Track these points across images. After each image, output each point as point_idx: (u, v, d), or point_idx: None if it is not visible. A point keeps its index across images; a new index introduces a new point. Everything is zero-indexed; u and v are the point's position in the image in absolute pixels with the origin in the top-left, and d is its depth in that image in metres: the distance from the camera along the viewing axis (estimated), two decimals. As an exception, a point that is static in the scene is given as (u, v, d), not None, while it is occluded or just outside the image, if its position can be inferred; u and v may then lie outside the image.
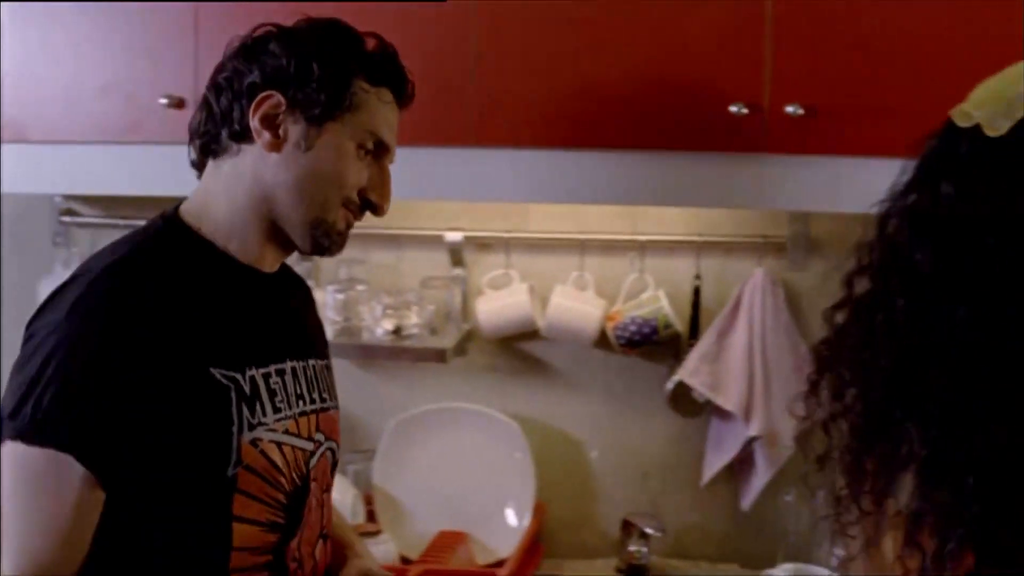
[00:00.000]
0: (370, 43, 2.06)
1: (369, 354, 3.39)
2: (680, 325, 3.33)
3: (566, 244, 3.39)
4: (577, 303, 3.33)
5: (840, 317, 1.65)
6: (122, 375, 1.80)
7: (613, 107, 2.81)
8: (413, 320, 3.31)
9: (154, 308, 1.87)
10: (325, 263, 3.44)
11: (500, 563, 3.17)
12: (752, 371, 3.27)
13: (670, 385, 3.32)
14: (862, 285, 1.66)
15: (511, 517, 3.32)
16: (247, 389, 1.94)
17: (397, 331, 3.29)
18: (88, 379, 1.80)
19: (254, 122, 1.97)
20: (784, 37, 2.77)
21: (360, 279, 3.38)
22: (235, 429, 1.91)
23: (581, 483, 3.49)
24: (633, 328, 3.27)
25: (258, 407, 1.95)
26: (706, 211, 3.33)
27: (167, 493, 1.87)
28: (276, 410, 1.98)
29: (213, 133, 2.02)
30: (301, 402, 2.05)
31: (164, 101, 2.94)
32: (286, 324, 2.11)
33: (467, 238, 3.38)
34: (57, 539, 1.79)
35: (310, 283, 3.27)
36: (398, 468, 3.33)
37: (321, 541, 2.10)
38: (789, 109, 2.74)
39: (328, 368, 2.22)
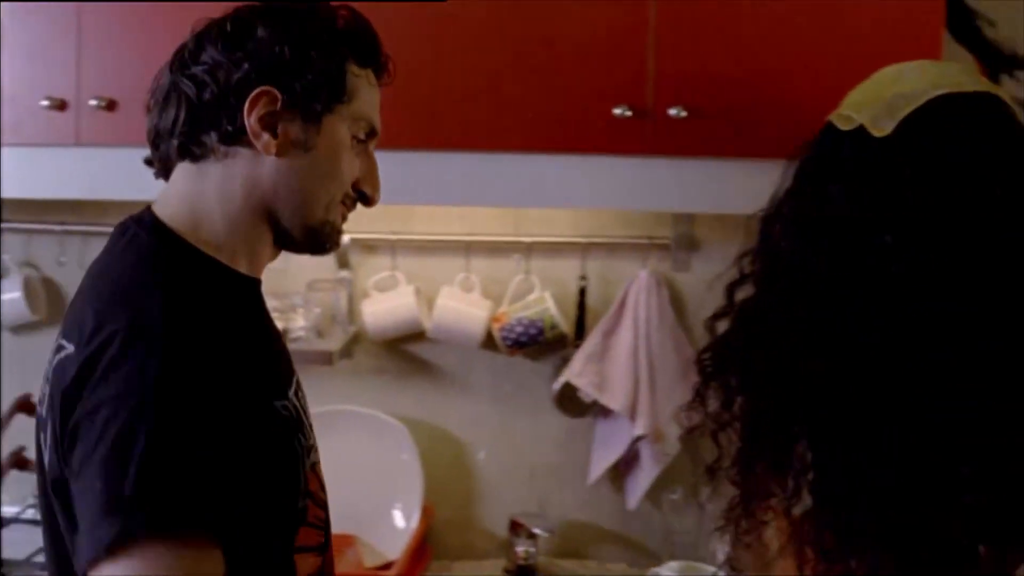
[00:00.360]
0: (345, 15, 1.85)
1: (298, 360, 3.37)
2: (566, 326, 3.34)
3: (452, 246, 3.39)
4: (463, 304, 3.33)
5: (722, 326, 1.68)
6: (215, 435, 1.58)
7: (499, 109, 2.82)
8: (299, 323, 3.30)
9: (212, 355, 1.62)
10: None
11: (388, 565, 3.17)
12: (637, 371, 3.31)
13: (556, 386, 3.34)
14: (744, 293, 1.69)
15: (399, 519, 3.32)
16: (295, 415, 1.79)
17: (283, 334, 3.28)
18: (193, 449, 1.55)
19: (251, 123, 1.74)
20: (667, 40, 2.80)
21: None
22: (300, 459, 1.77)
23: (469, 484, 3.49)
24: (519, 329, 3.29)
25: (305, 430, 1.82)
26: (591, 212, 3.36)
27: (246, 538, 1.63)
28: (311, 427, 1.86)
29: (193, 134, 1.77)
30: (308, 417, 1.90)
31: (45, 103, 2.89)
32: (277, 342, 1.93)
33: (353, 240, 3.38)
34: None
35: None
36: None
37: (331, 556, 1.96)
38: (672, 111, 2.77)
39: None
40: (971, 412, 1.48)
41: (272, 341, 1.89)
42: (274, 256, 1.88)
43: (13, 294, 3.40)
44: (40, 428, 1.74)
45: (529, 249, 3.36)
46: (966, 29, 3.34)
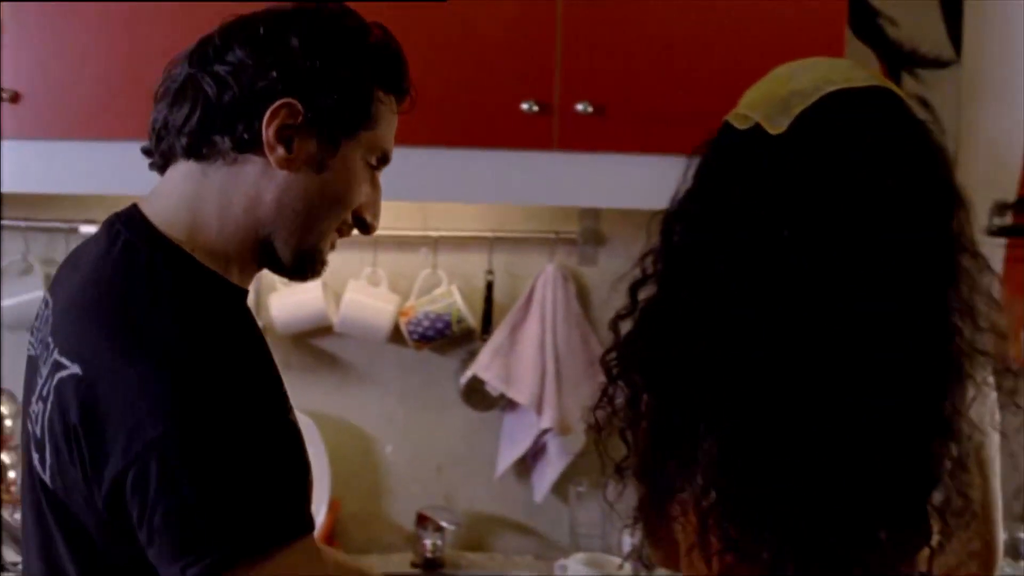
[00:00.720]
0: (376, 34, 1.77)
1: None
2: (473, 320, 3.36)
3: (359, 240, 3.36)
4: (370, 299, 3.33)
5: (626, 326, 1.70)
6: (262, 456, 1.55)
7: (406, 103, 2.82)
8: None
9: (237, 378, 1.58)
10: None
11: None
12: (544, 365, 3.33)
13: (464, 379, 3.36)
14: (647, 292, 1.71)
15: (306, 514, 3.32)
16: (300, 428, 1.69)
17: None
18: (249, 472, 1.53)
19: (268, 133, 1.65)
20: (574, 37, 2.83)
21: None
22: (308, 473, 1.67)
23: (376, 478, 3.50)
24: (426, 323, 3.29)
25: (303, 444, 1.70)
26: (498, 207, 3.38)
27: None
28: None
29: (205, 134, 1.67)
30: None
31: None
32: (265, 346, 1.78)
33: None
34: None
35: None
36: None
37: None
38: (579, 107, 2.80)
39: None
40: (868, 402, 1.52)
41: (265, 347, 1.75)
42: (253, 275, 1.79)
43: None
44: (34, 447, 1.68)
45: (436, 243, 3.37)
46: (868, 27, 3.41)
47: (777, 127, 1.63)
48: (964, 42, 3.47)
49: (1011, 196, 3.46)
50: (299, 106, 1.65)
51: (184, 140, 1.68)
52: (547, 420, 3.30)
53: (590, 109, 2.81)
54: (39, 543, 1.71)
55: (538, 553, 3.42)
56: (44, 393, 1.63)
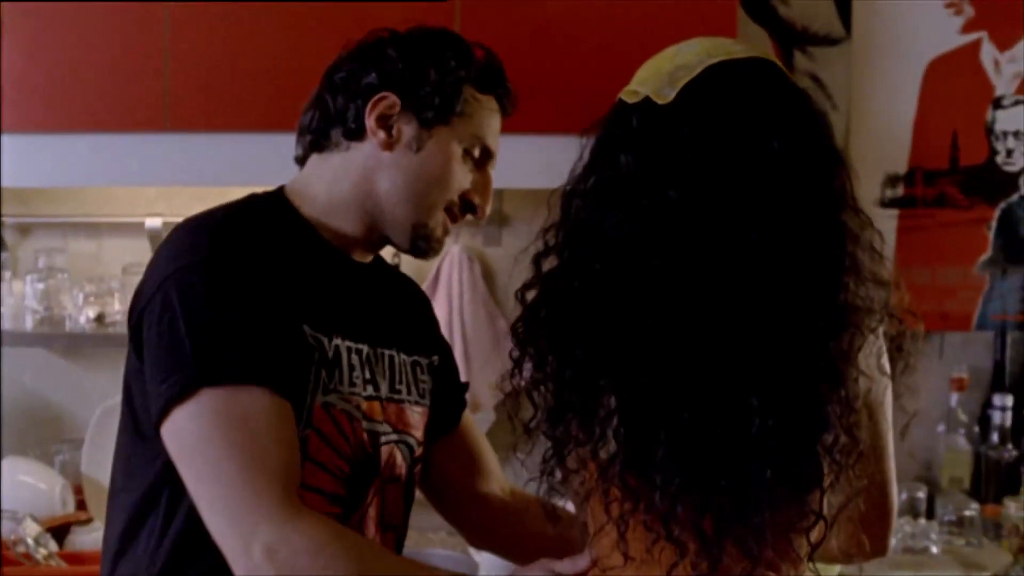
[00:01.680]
0: (478, 53, 2.08)
1: (73, 342, 3.38)
2: (382, 302, 3.41)
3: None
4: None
5: (531, 295, 1.78)
6: (252, 316, 1.79)
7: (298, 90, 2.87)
8: (116, 307, 3.31)
9: (258, 257, 1.85)
10: (23, 253, 3.41)
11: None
12: (452, 343, 3.38)
13: (374, 361, 3.41)
14: (550, 263, 1.79)
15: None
16: (330, 354, 1.91)
17: (100, 319, 3.29)
18: (234, 321, 1.78)
19: (370, 121, 1.99)
20: (469, 21, 2.89)
21: (60, 268, 3.36)
22: (310, 389, 1.88)
23: (290, 461, 3.53)
24: (336, 307, 3.34)
25: (337, 374, 1.92)
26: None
27: None
28: (352, 383, 1.95)
29: (324, 130, 2.03)
30: (374, 387, 2.00)
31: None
32: (376, 311, 2.07)
33: (166, 223, 3.38)
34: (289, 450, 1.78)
35: (6, 273, 3.26)
36: (107, 456, 3.29)
37: (382, 532, 2.04)
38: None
39: (417, 365, 2.14)
40: (758, 352, 1.60)
41: (344, 301, 2.00)
42: (371, 249, 2.08)
43: None
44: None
45: (343, 228, 3.40)
46: (760, 7, 3.50)
47: (664, 98, 1.70)
48: (854, 20, 3.57)
49: (902, 169, 3.57)
50: (395, 97, 1.98)
51: (309, 138, 2.05)
52: (457, 398, 3.36)
53: (488, 92, 2.87)
54: (122, 416, 1.95)
55: (451, 529, 3.46)
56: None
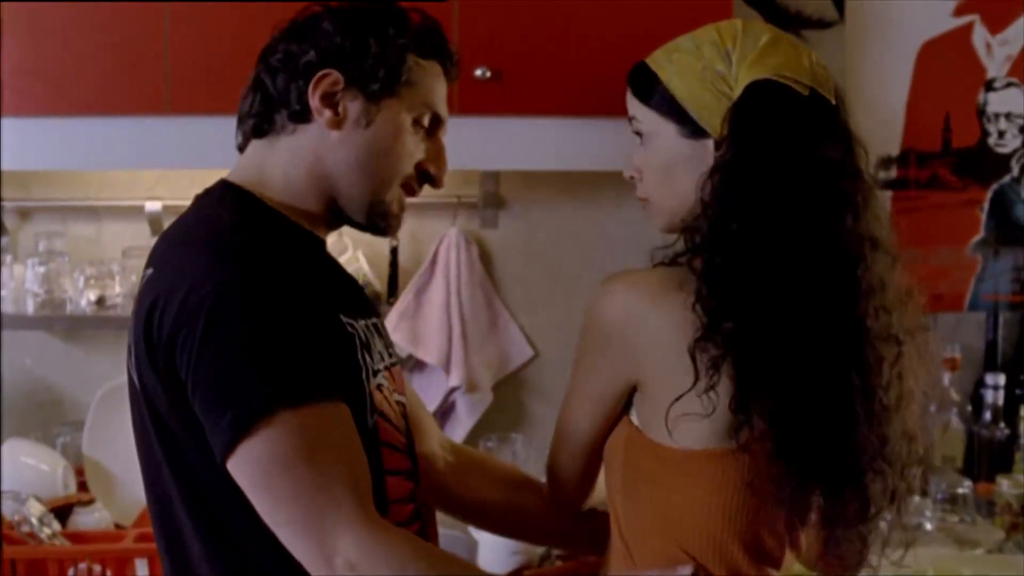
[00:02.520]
0: (415, 18, 1.99)
1: (74, 325, 3.40)
2: (379, 285, 3.45)
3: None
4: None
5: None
6: (297, 325, 1.75)
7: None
8: (116, 290, 3.33)
9: (285, 261, 1.81)
10: (23, 236, 3.43)
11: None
12: (450, 326, 3.42)
13: (371, 343, 3.43)
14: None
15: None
16: (363, 336, 1.92)
17: (100, 301, 3.31)
18: (281, 336, 1.73)
19: (314, 101, 1.91)
20: (471, 4, 2.93)
21: (61, 251, 3.38)
22: (364, 376, 1.88)
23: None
24: (335, 289, 3.37)
25: (373, 354, 1.93)
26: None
27: None
28: (381, 359, 1.96)
29: (267, 114, 1.95)
30: (385, 356, 2.01)
31: None
32: (351, 285, 2.07)
33: (166, 207, 3.40)
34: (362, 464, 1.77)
35: (7, 257, 3.28)
36: (107, 438, 3.32)
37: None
38: (477, 73, 2.90)
39: (384, 326, 2.11)
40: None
41: (338, 276, 2.03)
42: (330, 229, 2.03)
43: None
44: (129, 354, 1.87)
45: (341, 211, 3.42)
46: (756, -11, 3.52)
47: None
48: (846, 3, 3.60)
49: (895, 151, 3.60)
50: (337, 74, 1.90)
51: (251, 122, 1.98)
52: (455, 379, 3.41)
53: (488, 74, 2.91)
54: (139, 442, 1.91)
55: (449, 509, 3.50)
56: (135, 303, 1.86)
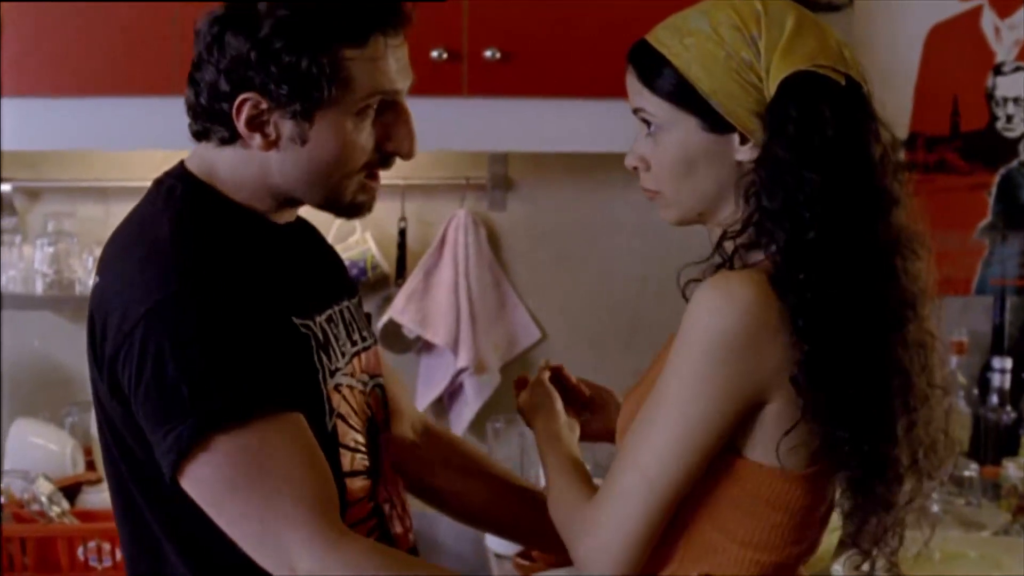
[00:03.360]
0: None
1: (82, 305, 3.38)
2: (387, 266, 3.46)
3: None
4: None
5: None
6: (239, 335, 1.68)
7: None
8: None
9: (226, 270, 1.72)
10: (32, 217, 3.45)
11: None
12: (458, 307, 3.43)
13: (380, 323, 3.44)
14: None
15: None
16: (320, 336, 1.84)
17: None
18: (223, 348, 1.66)
19: (240, 127, 1.74)
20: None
21: (69, 232, 3.39)
22: (321, 378, 1.81)
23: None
24: (343, 270, 3.37)
25: (331, 352, 1.85)
26: (409, 154, 3.44)
27: None
28: (342, 355, 1.88)
29: (202, 127, 1.82)
30: (350, 344, 1.93)
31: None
32: (316, 271, 1.97)
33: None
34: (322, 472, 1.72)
35: (16, 237, 3.28)
36: (115, 418, 3.36)
37: (398, 476, 2.04)
38: (487, 54, 2.91)
39: (359, 305, 2.05)
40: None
41: (305, 265, 1.93)
42: (294, 210, 1.91)
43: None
44: (89, 362, 1.83)
45: (350, 192, 3.42)
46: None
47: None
48: (855, -14, 3.60)
49: (903, 134, 3.59)
50: (256, 96, 1.72)
51: (192, 128, 1.84)
52: (463, 360, 3.41)
53: (498, 55, 2.92)
54: (103, 448, 1.85)
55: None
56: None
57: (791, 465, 1.69)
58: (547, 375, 2.07)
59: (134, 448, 1.76)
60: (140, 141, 3.09)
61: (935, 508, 3.16)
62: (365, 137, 1.79)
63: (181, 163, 1.88)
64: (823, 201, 1.65)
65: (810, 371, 1.64)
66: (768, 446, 1.69)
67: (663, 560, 1.77)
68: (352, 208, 1.87)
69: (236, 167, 1.81)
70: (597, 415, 2.12)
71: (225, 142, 1.79)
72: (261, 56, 1.70)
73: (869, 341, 1.67)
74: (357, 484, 1.87)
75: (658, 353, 1.87)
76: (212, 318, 1.66)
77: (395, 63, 1.80)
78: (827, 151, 1.66)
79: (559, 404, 2.02)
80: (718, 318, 1.63)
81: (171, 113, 2.96)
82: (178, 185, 1.83)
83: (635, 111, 1.79)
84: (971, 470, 3.33)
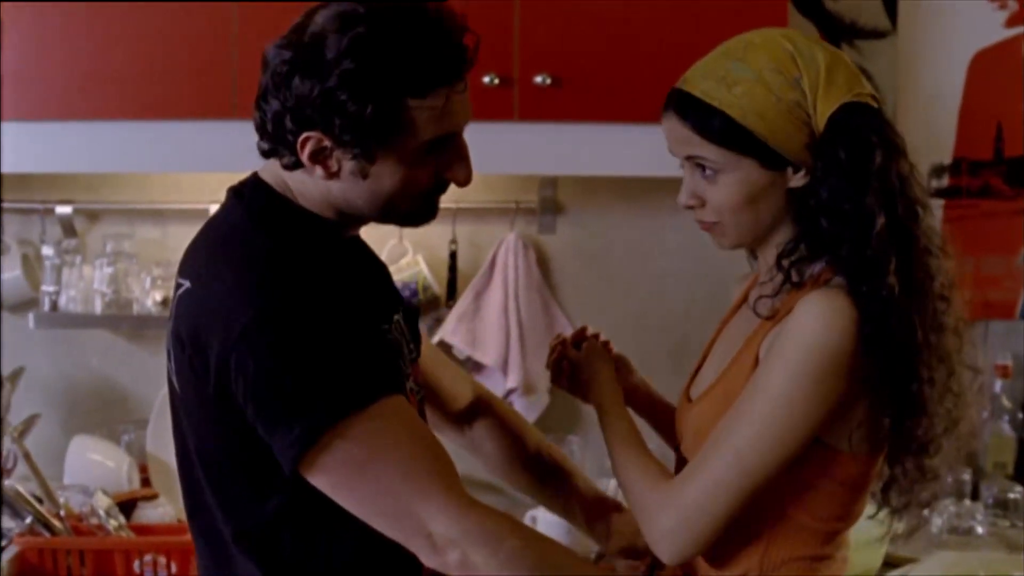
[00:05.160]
0: (397, 38, 1.79)
1: (139, 325, 3.48)
2: (438, 288, 3.51)
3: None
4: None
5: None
6: (344, 338, 1.78)
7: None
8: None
9: (321, 281, 1.81)
10: (91, 239, 3.52)
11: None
12: (508, 328, 3.48)
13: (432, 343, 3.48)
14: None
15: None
16: (397, 340, 1.96)
17: (166, 302, 3.38)
18: (335, 344, 1.77)
19: (304, 159, 1.81)
20: (531, 12, 3.01)
21: (128, 253, 3.46)
22: (403, 378, 1.93)
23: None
24: (394, 292, 3.42)
25: (403, 359, 1.97)
26: (460, 179, 3.48)
27: None
28: (405, 362, 1.99)
29: (271, 150, 1.86)
30: (407, 353, 2.03)
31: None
32: (378, 283, 2.07)
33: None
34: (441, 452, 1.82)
35: (77, 258, 3.35)
36: (170, 436, 3.37)
37: None
38: (537, 79, 2.97)
39: (407, 318, 2.11)
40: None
41: (371, 277, 2.04)
42: (359, 225, 1.99)
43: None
44: (168, 358, 1.90)
45: (401, 215, 3.46)
46: (809, 1, 3.56)
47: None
48: (899, 14, 3.63)
49: (947, 159, 3.63)
50: (319, 135, 1.79)
51: (260, 148, 1.88)
52: (512, 380, 3.47)
53: (548, 81, 2.97)
54: (176, 441, 1.96)
55: (507, 509, 3.53)
56: (172, 310, 1.89)
57: (863, 452, 1.86)
58: (599, 344, 2.20)
59: (222, 451, 1.85)
60: (198, 164, 3.16)
61: (979, 530, 3.19)
62: (424, 172, 1.86)
63: (255, 174, 1.95)
64: (876, 220, 1.79)
65: (881, 372, 1.80)
66: (847, 435, 1.84)
67: (753, 543, 1.92)
68: (419, 216, 1.96)
69: (303, 185, 1.88)
70: (619, 373, 2.22)
71: (289, 168, 1.86)
72: (326, 103, 1.76)
73: (925, 339, 1.81)
74: None
75: (733, 356, 1.96)
76: (312, 324, 1.75)
77: (457, 105, 1.86)
78: (878, 174, 1.80)
79: (614, 373, 2.16)
80: (829, 330, 1.78)
81: (228, 137, 3.06)
82: (258, 197, 1.91)
83: (688, 158, 1.89)
84: (1016, 492, 3.35)
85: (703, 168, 1.87)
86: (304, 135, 1.79)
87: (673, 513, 1.85)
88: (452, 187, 3.37)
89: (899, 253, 1.79)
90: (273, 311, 1.75)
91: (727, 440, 1.83)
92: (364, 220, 1.95)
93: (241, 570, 1.89)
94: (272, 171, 1.91)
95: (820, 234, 1.84)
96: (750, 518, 1.87)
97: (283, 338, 1.74)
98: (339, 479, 1.77)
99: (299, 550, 1.86)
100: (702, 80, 1.86)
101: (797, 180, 1.85)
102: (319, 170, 1.82)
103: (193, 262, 1.89)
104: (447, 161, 1.90)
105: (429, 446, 1.80)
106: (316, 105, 1.77)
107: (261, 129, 1.86)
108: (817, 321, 1.78)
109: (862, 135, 1.81)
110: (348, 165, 1.82)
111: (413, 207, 1.91)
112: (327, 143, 1.79)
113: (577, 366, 2.19)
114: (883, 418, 1.84)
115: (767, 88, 1.82)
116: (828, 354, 1.77)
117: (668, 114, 1.90)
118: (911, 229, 1.81)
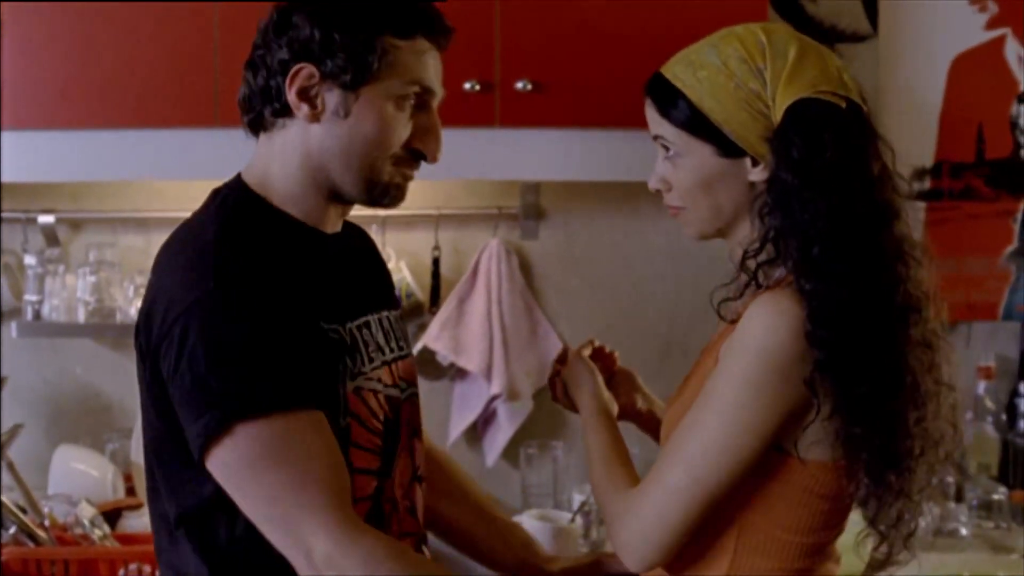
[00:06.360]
0: None
1: (123, 334, 3.47)
2: (422, 294, 3.51)
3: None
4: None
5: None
6: (269, 335, 1.83)
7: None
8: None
9: (263, 274, 1.87)
10: (75, 247, 3.51)
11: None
12: (491, 334, 3.48)
13: (414, 351, 3.48)
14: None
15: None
16: (348, 340, 1.98)
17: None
18: (254, 346, 1.81)
19: (291, 96, 1.95)
20: (512, 18, 3.00)
21: (111, 261, 3.45)
22: (341, 380, 1.95)
23: (333, 450, 3.60)
24: (378, 298, 3.42)
25: (357, 357, 1.99)
26: (442, 185, 3.51)
27: None
28: (371, 360, 2.02)
29: (257, 110, 2.00)
30: (386, 351, 2.08)
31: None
32: (360, 278, 2.14)
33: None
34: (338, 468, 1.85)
35: (59, 267, 3.34)
36: (155, 444, 3.40)
37: (416, 484, 2.14)
38: (519, 85, 2.97)
39: (400, 318, 2.21)
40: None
41: (343, 274, 2.07)
42: (342, 212, 2.09)
43: None
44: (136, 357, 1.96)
45: (384, 222, 3.48)
46: (789, 4, 3.58)
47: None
48: (880, 17, 3.64)
49: (929, 162, 3.64)
50: (311, 67, 1.94)
51: (246, 118, 2.03)
52: (496, 387, 3.47)
53: (529, 86, 2.97)
54: (145, 437, 2.00)
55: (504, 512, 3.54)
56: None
57: (822, 458, 1.83)
58: (588, 351, 2.22)
59: (164, 433, 1.90)
60: (181, 172, 3.15)
61: (964, 532, 3.20)
62: (401, 124, 1.99)
63: (238, 175, 2.05)
64: (825, 218, 1.78)
65: (823, 374, 1.77)
66: (803, 442, 1.82)
67: (719, 554, 1.90)
68: (388, 193, 2.03)
69: (284, 154, 1.99)
70: (622, 388, 2.26)
71: (277, 114, 1.97)
72: (322, 33, 1.93)
73: (877, 343, 1.78)
74: (361, 483, 1.96)
75: (696, 361, 1.99)
76: (243, 317, 1.82)
77: (433, 68, 2.03)
78: (828, 172, 1.79)
79: (601, 380, 2.17)
80: (772, 333, 1.78)
81: (211, 145, 3.06)
82: (231, 194, 2.01)
83: (654, 138, 1.94)
84: (1000, 494, 3.36)
85: (667, 150, 1.92)
86: (297, 66, 1.93)
87: (633, 522, 1.87)
88: (434, 193, 3.41)
89: (859, 257, 1.78)
90: (204, 303, 1.82)
91: (679, 448, 1.84)
92: (339, 195, 2.01)
93: (182, 552, 1.94)
94: (253, 171, 2.02)
95: (776, 234, 1.83)
96: (715, 527, 1.87)
97: (211, 328, 1.81)
98: (234, 477, 1.82)
99: (233, 535, 1.90)
100: (676, 64, 1.92)
101: (757, 174, 1.86)
102: (304, 108, 1.95)
103: (158, 257, 1.98)
104: (422, 128, 2.02)
105: (330, 465, 1.83)
106: (312, 37, 1.94)
107: (248, 97, 2.01)
108: (760, 325, 1.79)
109: (815, 131, 1.79)
110: (333, 101, 1.95)
111: (383, 170, 2.00)
112: (316, 77, 1.94)
113: (564, 379, 2.19)
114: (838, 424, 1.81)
115: (729, 75, 1.84)
116: (771, 358, 1.78)
117: (646, 95, 1.95)
118: (875, 233, 1.80)
